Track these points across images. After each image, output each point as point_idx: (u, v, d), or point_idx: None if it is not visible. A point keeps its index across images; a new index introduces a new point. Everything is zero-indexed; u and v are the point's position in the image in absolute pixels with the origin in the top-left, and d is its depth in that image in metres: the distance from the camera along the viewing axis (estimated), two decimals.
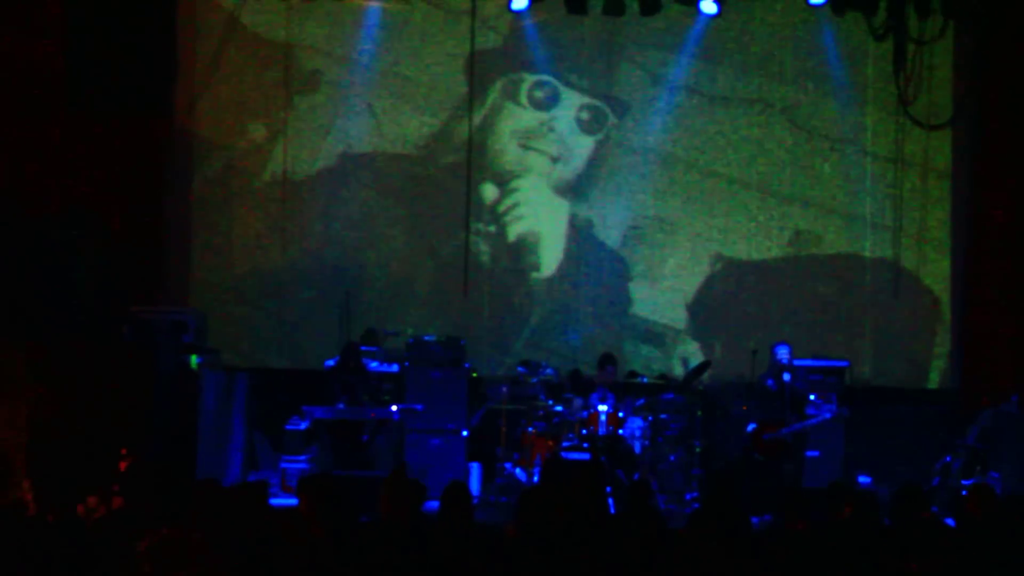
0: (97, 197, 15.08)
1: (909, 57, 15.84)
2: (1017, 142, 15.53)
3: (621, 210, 16.34)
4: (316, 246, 16.30)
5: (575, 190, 16.42)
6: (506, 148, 16.42)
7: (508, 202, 16.41)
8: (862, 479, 14.19)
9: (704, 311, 16.30)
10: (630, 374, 14.88)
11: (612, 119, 16.34)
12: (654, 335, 16.29)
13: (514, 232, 16.39)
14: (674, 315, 16.33)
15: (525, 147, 16.39)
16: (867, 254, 16.24)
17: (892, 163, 16.15)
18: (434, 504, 8.46)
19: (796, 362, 14.11)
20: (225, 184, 16.36)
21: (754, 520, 11.29)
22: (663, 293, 16.33)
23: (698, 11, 15.76)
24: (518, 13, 15.93)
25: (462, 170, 16.22)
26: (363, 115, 16.34)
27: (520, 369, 14.62)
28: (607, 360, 14.57)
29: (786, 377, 13.70)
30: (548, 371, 14.58)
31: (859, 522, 8.48)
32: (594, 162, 16.39)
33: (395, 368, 14.61)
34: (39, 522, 8.30)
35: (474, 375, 14.84)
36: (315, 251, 16.30)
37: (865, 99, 16.19)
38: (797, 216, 16.30)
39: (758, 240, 16.29)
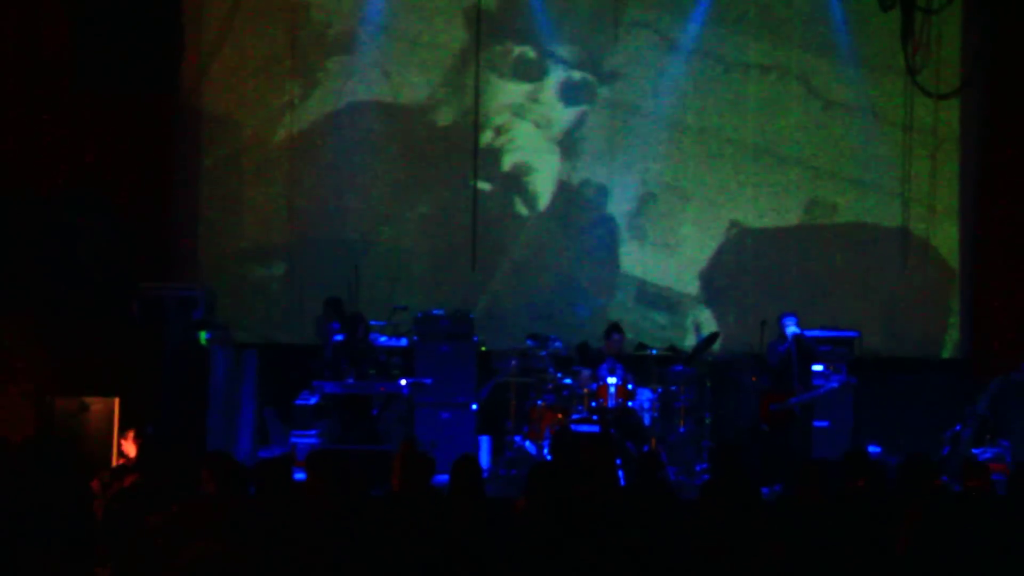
0: (105, 175, 15.07)
1: (917, 26, 15.77)
2: None
3: (634, 178, 16.30)
4: (324, 220, 16.27)
5: (582, 157, 16.37)
6: (508, 116, 16.40)
7: (513, 166, 16.40)
8: (872, 449, 14.19)
9: (717, 279, 16.28)
10: (639, 346, 14.86)
11: (620, 85, 16.28)
12: (667, 303, 16.26)
13: (521, 200, 16.38)
14: (688, 283, 16.31)
15: (521, 116, 16.37)
16: (881, 223, 16.19)
17: (904, 131, 16.10)
18: (444, 478, 8.48)
19: (805, 332, 14.12)
20: (233, 159, 16.33)
21: (764, 491, 11.29)
22: (676, 261, 16.30)
23: None
24: None
25: (470, 141, 16.19)
26: (375, 82, 16.27)
27: (529, 342, 14.62)
28: (613, 329, 14.58)
29: (791, 332, 13.74)
30: (557, 344, 14.58)
31: (872, 493, 8.49)
32: (605, 130, 16.35)
33: (404, 342, 14.62)
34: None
35: (483, 348, 14.84)
36: (323, 225, 16.27)
37: (876, 67, 16.13)
38: (812, 184, 16.25)
39: (772, 208, 16.25)
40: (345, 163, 16.29)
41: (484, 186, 16.23)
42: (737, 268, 16.26)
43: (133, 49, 14.96)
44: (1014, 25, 15.48)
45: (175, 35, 15.69)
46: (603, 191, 16.36)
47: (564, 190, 16.41)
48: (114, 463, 9.99)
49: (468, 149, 16.19)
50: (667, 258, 16.31)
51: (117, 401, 12.07)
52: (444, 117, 16.36)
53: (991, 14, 15.65)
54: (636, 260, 16.31)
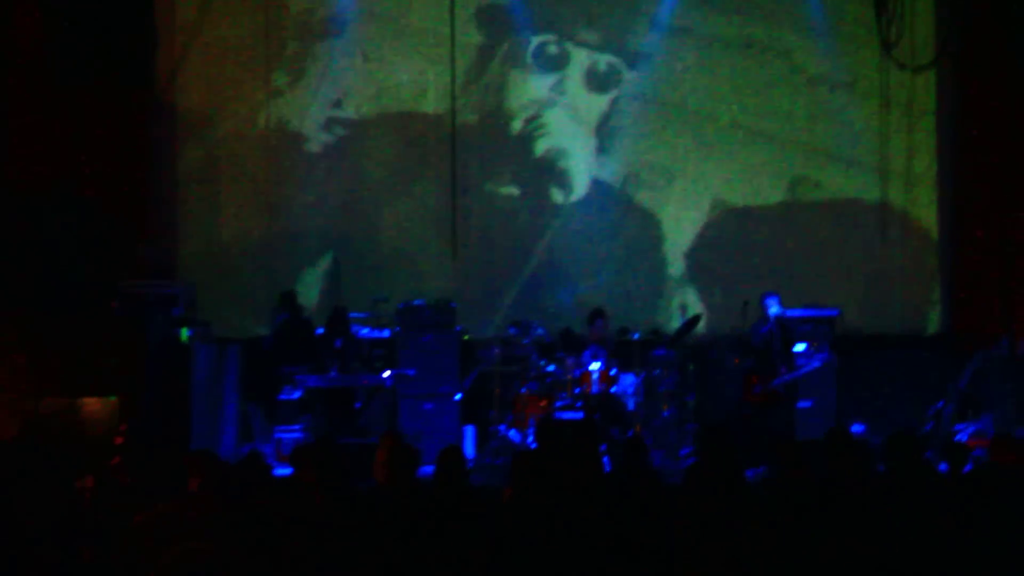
0: (82, 171, 15.01)
1: (891, 1, 15.82)
2: (1000, 80, 15.50)
3: (615, 158, 16.29)
4: (304, 212, 16.24)
5: (561, 139, 16.35)
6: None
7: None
8: (855, 428, 14.23)
9: (701, 259, 16.29)
10: (621, 331, 14.86)
11: (614, 64, 16.26)
12: (651, 284, 16.27)
13: (505, 194, 16.37)
14: (671, 264, 16.32)
15: (506, 103, 16.37)
16: (862, 198, 16.22)
17: (881, 105, 16.13)
18: (429, 469, 8.47)
19: (787, 312, 14.14)
20: (211, 152, 16.28)
21: (748, 473, 11.31)
22: (661, 242, 16.30)
23: None
24: None
25: (448, 128, 16.17)
26: (355, 71, 16.24)
27: (511, 330, 14.61)
28: (597, 315, 14.58)
29: (773, 312, 13.77)
30: (539, 331, 14.57)
31: (856, 471, 8.50)
32: (593, 112, 16.34)
33: (386, 334, 14.61)
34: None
35: (465, 338, 14.82)
36: (303, 218, 16.24)
37: (852, 41, 16.13)
38: (795, 161, 16.27)
39: (754, 186, 16.26)
40: (325, 154, 16.26)
41: (463, 174, 16.21)
42: (720, 247, 16.26)
43: (106, 43, 14.89)
44: None
45: (148, 27, 15.62)
46: (588, 174, 16.36)
47: (545, 172, 16.40)
48: (113, 462, 9.95)
49: (448, 138, 16.15)
50: (651, 239, 16.29)
51: (115, 401, 12.05)
52: (426, 104, 16.32)
53: None
54: (619, 241, 16.30)
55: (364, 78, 16.26)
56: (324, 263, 15.63)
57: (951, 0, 15.85)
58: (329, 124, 16.24)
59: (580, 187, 16.35)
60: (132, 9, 15.34)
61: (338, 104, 16.23)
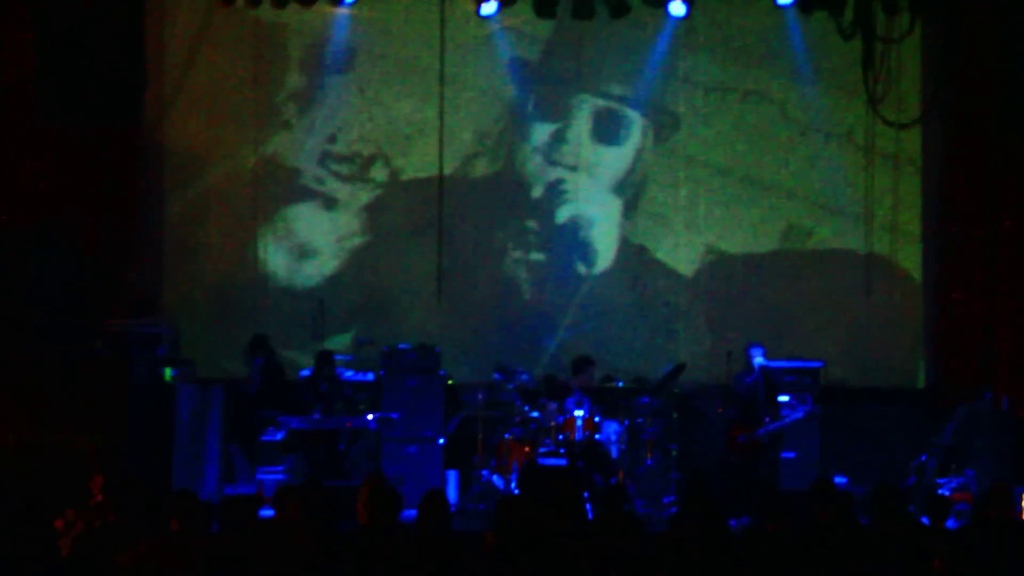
0: (68, 210, 14.98)
1: (877, 55, 15.90)
2: (986, 134, 15.58)
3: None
4: (290, 254, 16.25)
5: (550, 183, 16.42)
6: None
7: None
8: (838, 479, 14.22)
9: (690, 306, 16.30)
10: (606, 378, 14.86)
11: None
12: (638, 330, 16.28)
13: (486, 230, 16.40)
14: (658, 310, 16.33)
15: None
16: (848, 248, 16.23)
17: (869, 156, 16.18)
18: (412, 512, 8.45)
19: (771, 363, 14.15)
20: (199, 193, 16.28)
21: (731, 522, 11.29)
22: (649, 287, 16.35)
23: (667, 13, 15.76)
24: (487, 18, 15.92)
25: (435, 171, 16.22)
26: (350, 109, 16.30)
27: (496, 375, 14.60)
28: (586, 362, 14.58)
29: (757, 363, 13.79)
30: (523, 377, 14.56)
31: (840, 523, 8.50)
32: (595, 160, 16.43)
33: (370, 377, 14.59)
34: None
35: (450, 382, 14.81)
36: (289, 260, 16.25)
37: (841, 92, 16.21)
38: (787, 209, 16.29)
39: (744, 234, 16.30)
40: (311, 195, 16.29)
41: (450, 217, 16.23)
42: (709, 295, 16.29)
43: (96, 84, 14.90)
44: (973, 52, 15.57)
45: (137, 68, 15.64)
46: (574, 221, 16.40)
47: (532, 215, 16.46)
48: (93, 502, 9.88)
49: (435, 182, 16.20)
50: (639, 286, 16.33)
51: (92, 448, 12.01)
52: (413, 155, 16.37)
53: (950, 43, 15.75)
54: (605, 287, 16.33)
55: (358, 117, 16.29)
56: (308, 305, 15.57)
57: (938, 56, 15.93)
58: (321, 161, 16.26)
59: (566, 232, 16.39)
60: (122, 49, 15.34)
61: (331, 141, 16.26)
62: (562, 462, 13.50)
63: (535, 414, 14.12)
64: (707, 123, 16.33)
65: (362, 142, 16.35)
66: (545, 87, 16.39)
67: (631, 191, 16.36)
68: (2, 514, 8.66)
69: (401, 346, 14.59)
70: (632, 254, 16.33)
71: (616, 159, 16.38)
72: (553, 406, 14.15)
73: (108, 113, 15.20)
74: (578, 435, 13.83)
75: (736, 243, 16.31)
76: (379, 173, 16.37)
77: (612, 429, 14.14)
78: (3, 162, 14.74)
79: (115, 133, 15.44)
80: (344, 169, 16.34)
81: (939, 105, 15.81)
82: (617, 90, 16.35)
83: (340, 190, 16.34)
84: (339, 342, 15.38)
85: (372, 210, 16.37)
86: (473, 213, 16.35)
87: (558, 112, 16.40)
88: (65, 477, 11.55)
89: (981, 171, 15.63)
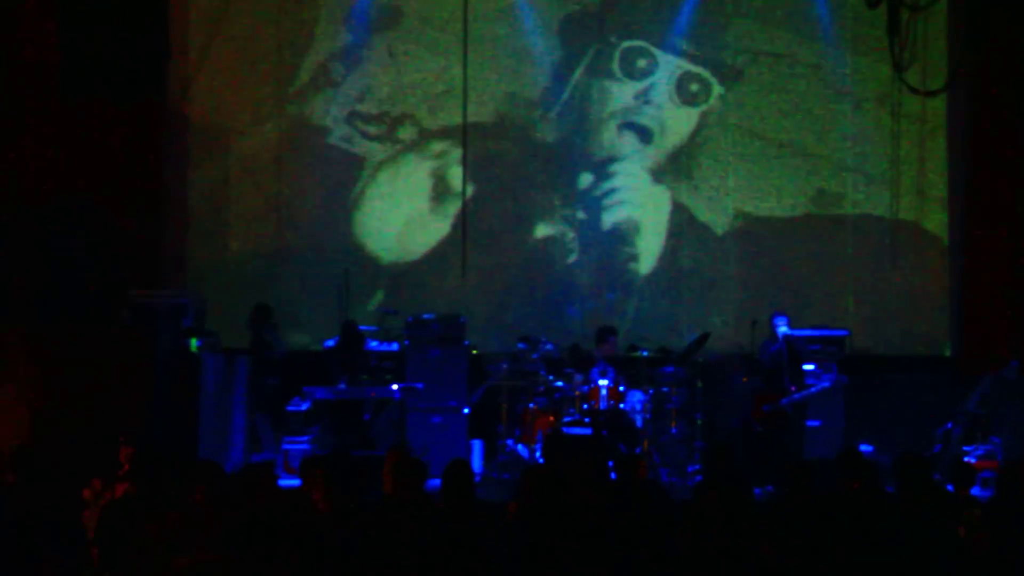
0: (93, 182, 15.04)
1: (904, 22, 15.80)
2: (1013, 102, 15.49)
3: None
4: (314, 224, 16.27)
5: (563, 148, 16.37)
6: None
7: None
8: (864, 448, 14.20)
9: (715, 275, 16.30)
10: (630, 347, 14.86)
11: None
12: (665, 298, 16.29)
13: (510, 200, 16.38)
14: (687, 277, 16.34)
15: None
16: (877, 215, 16.21)
17: (895, 120, 16.13)
18: (436, 482, 8.47)
19: (795, 331, 14.13)
20: (223, 163, 16.31)
21: (756, 491, 11.30)
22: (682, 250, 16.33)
23: None
24: None
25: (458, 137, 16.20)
26: (376, 77, 16.29)
27: (520, 345, 14.60)
28: (608, 331, 14.59)
29: (781, 332, 13.77)
30: (548, 346, 14.57)
31: (867, 493, 8.49)
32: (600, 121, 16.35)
33: (395, 347, 14.62)
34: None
35: (474, 352, 14.83)
36: (313, 230, 16.27)
37: (868, 56, 16.15)
38: (818, 174, 16.27)
39: (776, 198, 16.26)
40: (336, 166, 16.29)
41: (471, 188, 16.22)
42: (738, 261, 16.25)
43: (120, 54, 14.91)
44: (999, 19, 15.48)
45: (162, 38, 15.64)
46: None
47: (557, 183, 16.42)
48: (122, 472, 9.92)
49: (458, 151, 16.19)
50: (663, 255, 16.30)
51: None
52: (433, 121, 16.35)
53: (976, 9, 15.65)
54: (632, 255, 16.31)
55: (384, 84, 16.26)
56: (333, 275, 15.59)
57: (964, 22, 15.83)
58: (346, 129, 16.26)
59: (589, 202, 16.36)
60: (146, 21, 15.35)
61: (355, 111, 16.26)
62: (587, 431, 13.52)
63: (560, 384, 14.14)
64: (739, 87, 16.30)
65: (390, 102, 16.35)
66: (574, 47, 16.36)
67: (662, 157, 16.34)
68: (29, 484, 8.70)
69: (425, 316, 14.61)
70: (659, 221, 16.30)
71: (647, 123, 16.34)
72: (578, 376, 14.17)
73: (133, 84, 15.22)
74: (602, 404, 13.84)
75: (766, 207, 16.27)
76: (400, 144, 16.36)
77: (637, 398, 14.15)
78: (29, 135, 14.78)
79: (140, 104, 15.46)
80: (372, 128, 16.35)
81: (966, 71, 15.71)
82: (647, 54, 16.30)
83: (367, 148, 16.32)
84: (363, 311, 15.40)
85: (397, 174, 16.35)
86: (500, 176, 16.32)
87: (588, 74, 16.35)
88: (92, 447, 11.62)
89: (1008, 138, 15.56)
